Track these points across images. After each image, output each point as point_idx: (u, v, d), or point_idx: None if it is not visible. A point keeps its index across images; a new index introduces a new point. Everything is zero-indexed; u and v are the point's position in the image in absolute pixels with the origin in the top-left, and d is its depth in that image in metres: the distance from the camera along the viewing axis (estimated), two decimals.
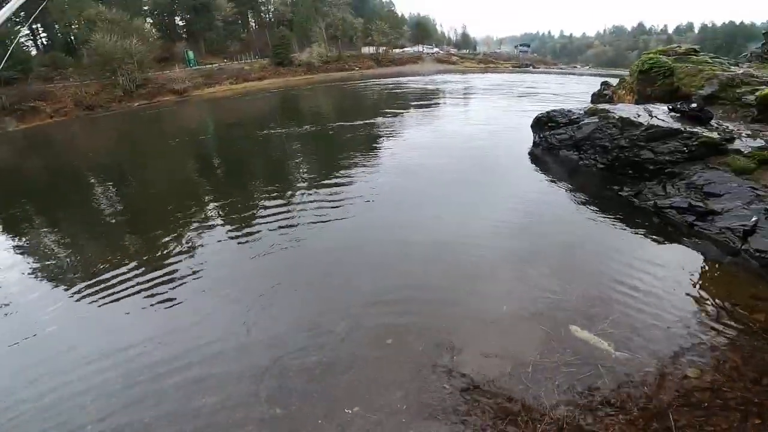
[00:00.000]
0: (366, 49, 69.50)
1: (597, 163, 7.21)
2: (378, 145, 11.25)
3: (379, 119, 15.14)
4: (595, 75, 30.64)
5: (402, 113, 16.97)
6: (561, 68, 50.67)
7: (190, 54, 51.09)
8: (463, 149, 9.68)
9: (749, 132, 6.94)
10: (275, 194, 8.00)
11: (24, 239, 7.09)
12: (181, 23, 65.03)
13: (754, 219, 4.91)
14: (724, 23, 69.42)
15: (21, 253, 6.49)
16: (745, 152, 5.92)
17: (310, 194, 7.73)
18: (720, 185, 5.50)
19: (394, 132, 12.67)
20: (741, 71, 10.85)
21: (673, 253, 5.00)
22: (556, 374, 3.36)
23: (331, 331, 3.98)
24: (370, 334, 3.90)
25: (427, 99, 22.48)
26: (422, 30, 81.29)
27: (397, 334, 3.87)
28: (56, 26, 38.41)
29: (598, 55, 70.08)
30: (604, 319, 3.98)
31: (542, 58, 67.30)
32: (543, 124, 9.03)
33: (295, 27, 67.58)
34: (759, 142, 6.32)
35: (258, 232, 6.30)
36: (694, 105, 7.45)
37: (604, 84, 17.26)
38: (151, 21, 61.64)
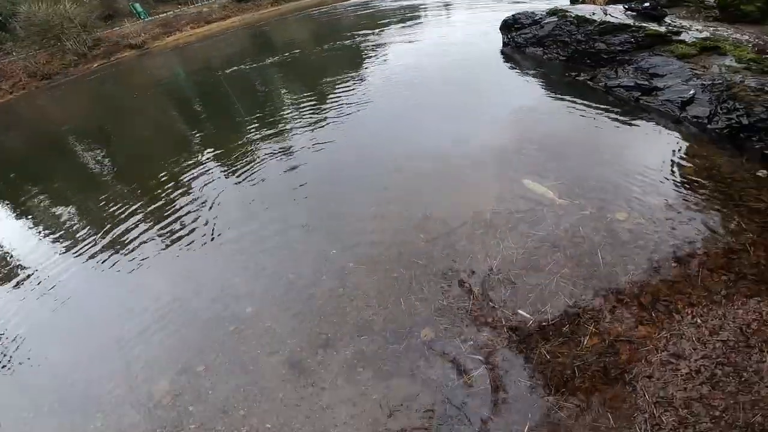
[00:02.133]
0: None
1: (558, 56, 7.52)
2: (358, 62, 11.16)
3: (358, 39, 14.76)
4: None
5: (380, 31, 16.39)
6: None
7: (137, 6, 45.99)
8: (442, 55, 9.75)
9: (700, 27, 7.34)
10: (262, 122, 8.11)
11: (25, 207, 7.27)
12: None
13: (691, 92, 5.42)
14: None
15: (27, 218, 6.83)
16: (689, 42, 6.31)
17: (297, 117, 7.95)
18: (664, 68, 5.95)
19: (374, 48, 12.46)
20: None
21: (620, 121, 5.59)
22: (510, 218, 4.06)
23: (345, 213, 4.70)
24: (363, 207, 4.71)
25: (406, 13, 21.53)
26: None
27: (386, 205, 4.65)
28: None
29: None
30: (554, 173, 4.41)
31: None
32: (510, 26, 9.16)
33: None
34: (704, 34, 6.72)
35: (252, 161, 6.55)
36: (647, 4, 7.72)
37: None
38: None
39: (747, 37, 6.57)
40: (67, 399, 3.39)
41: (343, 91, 8.63)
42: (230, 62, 16.18)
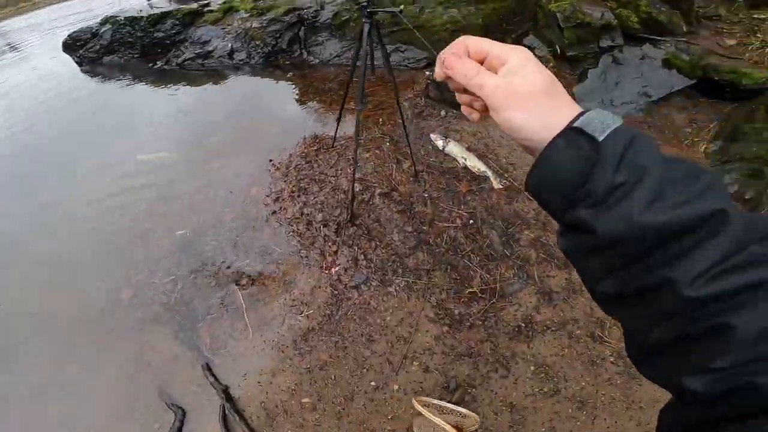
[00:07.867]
0: None
1: (132, 56, 8.28)
2: None
3: None
4: None
5: None
6: None
7: None
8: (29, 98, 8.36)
9: None
10: None
11: None
12: None
13: (229, 45, 7.44)
14: None
15: None
16: (216, 9, 8.28)
17: None
18: (207, 34, 7.73)
19: None
20: None
21: (197, 84, 7.16)
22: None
23: None
24: None
25: None
26: None
27: None
28: None
29: None
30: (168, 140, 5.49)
31: None
32: (72, 47, 9.05)
33: None
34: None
35: None
36: None
37: None
38: None
39: None
40: None
41: None
42: None
